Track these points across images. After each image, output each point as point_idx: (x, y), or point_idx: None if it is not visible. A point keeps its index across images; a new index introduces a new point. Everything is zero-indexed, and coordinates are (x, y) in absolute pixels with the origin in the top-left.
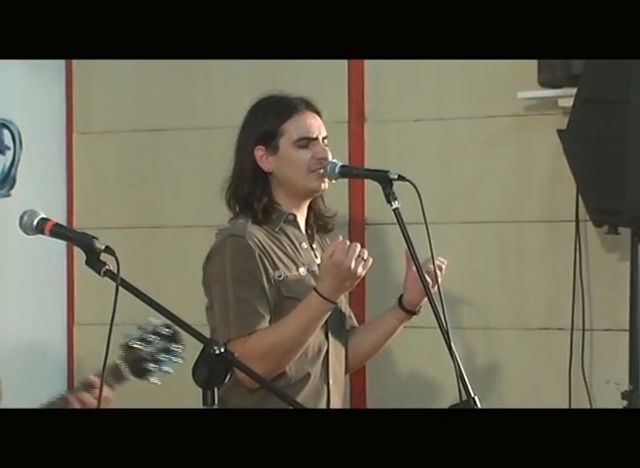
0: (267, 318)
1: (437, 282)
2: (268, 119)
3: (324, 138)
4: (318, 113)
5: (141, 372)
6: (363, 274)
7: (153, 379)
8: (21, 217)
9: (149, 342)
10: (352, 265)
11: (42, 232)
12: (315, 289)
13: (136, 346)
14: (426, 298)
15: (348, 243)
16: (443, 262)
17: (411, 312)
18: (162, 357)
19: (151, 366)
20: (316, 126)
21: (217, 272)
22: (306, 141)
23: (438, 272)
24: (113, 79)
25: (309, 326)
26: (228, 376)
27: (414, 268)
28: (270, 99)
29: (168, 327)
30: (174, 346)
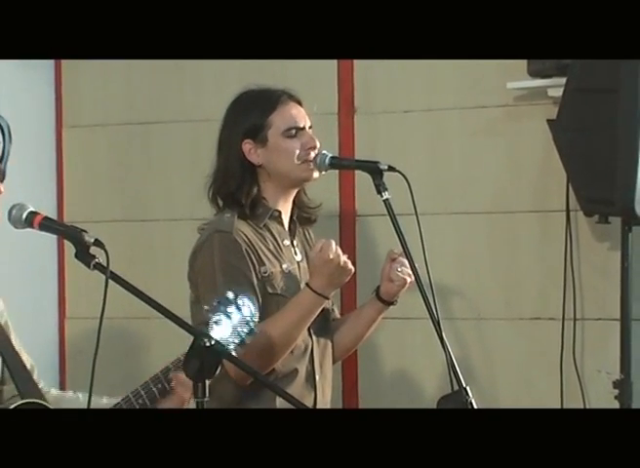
0: (257, 314)
1: (416, 275)
2: (253, 113)
3: (309, 127)
4: (300, 103)
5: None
6: (353, 269)
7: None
8: (10, 211)
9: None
10: (342, 261)
11: (31, 226)
12: (307, 284)
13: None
14: (405, 290)
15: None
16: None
17: (388, 302)
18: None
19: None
20: (301, 116)
21: (205, 268)
22: (295, 131)
23: (409, 269)
24: (103, 72)
25: (302, 321)
26: (219, 369)
27: (391, 260)
28: (251, 93)
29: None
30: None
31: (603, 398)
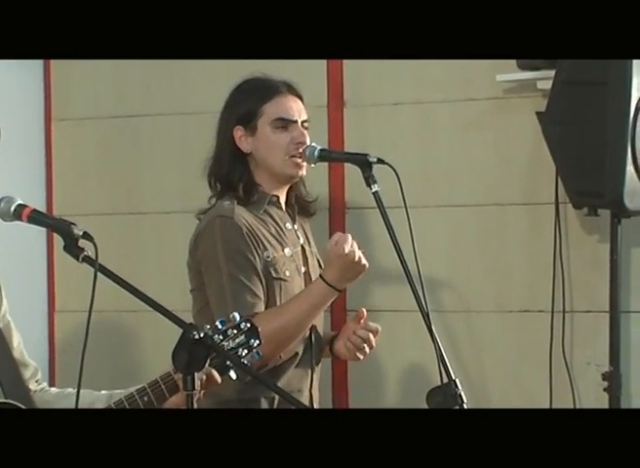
0: (263, 299)
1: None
2: (249, 100)
3: (303, 122)
4: (300, 97)
5: (221, 367)
6: (367, 265)
7: (232, 374)
8: None
9: (229, 337)
10: (356, 256)
11: (19, 218)
12: (321, 275)
13: (216, 341)
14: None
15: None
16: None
17: (337, 357)
18: (241, 352)
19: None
20: (296, 109)
21: (208, 254)
22: (285, 123)
23: (372, 337)
24: (91, 65)
25: (312, 312)
26: (208, 361)
27: (357, 321)
28: (252, 81)
29: (247, 321)
30: (252, 341)
31: (592, 390)
